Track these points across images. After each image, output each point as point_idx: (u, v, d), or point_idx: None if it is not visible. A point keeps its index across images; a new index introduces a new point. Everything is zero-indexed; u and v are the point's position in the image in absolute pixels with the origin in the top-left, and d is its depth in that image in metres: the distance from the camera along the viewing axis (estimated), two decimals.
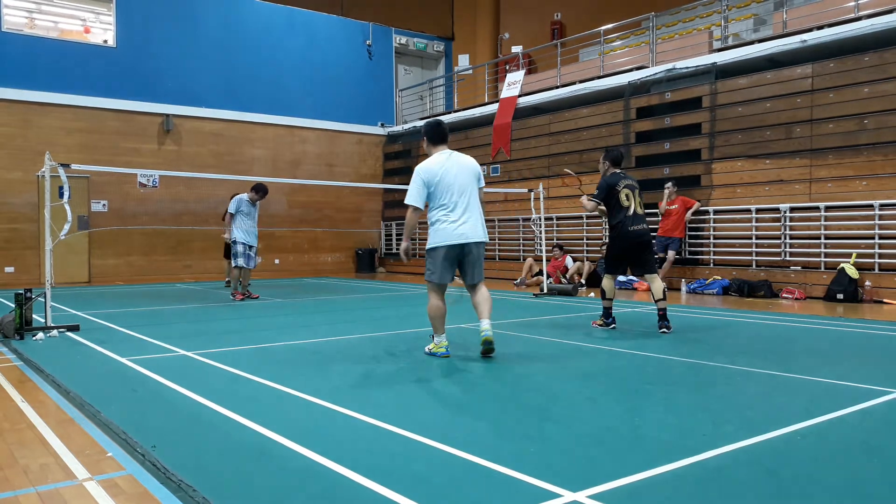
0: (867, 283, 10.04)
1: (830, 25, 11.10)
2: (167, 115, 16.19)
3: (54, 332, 6.88)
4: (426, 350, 5.68)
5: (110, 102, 15.57)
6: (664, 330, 6.81)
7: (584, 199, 7.36)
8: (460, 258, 5.46)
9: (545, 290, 11.47)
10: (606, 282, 7.24)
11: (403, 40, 20.66)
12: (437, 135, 5.66)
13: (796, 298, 10.51)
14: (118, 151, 15.47)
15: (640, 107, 13.71)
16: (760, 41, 12.15)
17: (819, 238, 10.81)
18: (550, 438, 3.34)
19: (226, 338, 6.83)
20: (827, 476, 2.86)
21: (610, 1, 18.44)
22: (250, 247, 10.54)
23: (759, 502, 2.56)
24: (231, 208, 10.57)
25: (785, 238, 11.18)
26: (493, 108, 16.88)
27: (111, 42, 15.89)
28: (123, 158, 15.33)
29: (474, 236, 5.40)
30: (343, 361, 5.43)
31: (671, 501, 2.55)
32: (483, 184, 5.67)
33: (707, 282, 11.70)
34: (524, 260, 14.56)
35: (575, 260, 13.50)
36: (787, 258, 11.17)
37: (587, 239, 14.22)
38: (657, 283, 6.97)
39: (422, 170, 5.51)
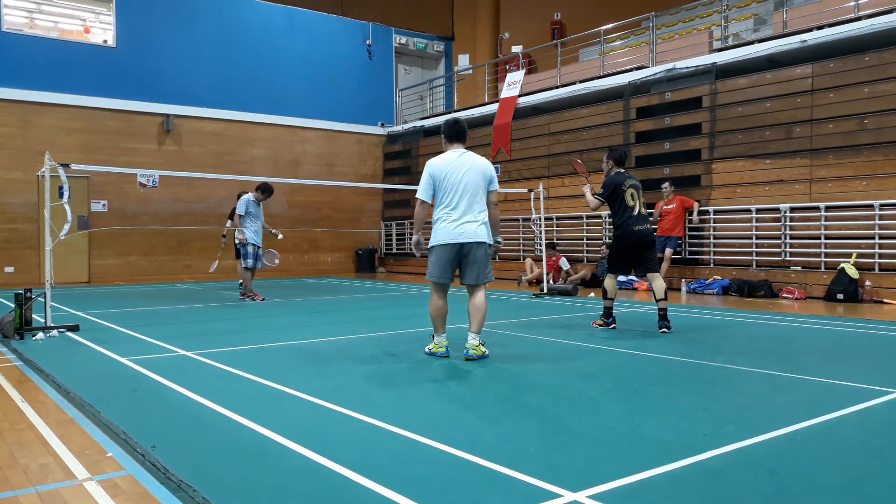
0: (867, 283, 10.03)
1: (830, 25, 11.09)
2: (167, 115, 16.20)
3: (54, 332, 6.88)
4: (426, 350, 5.68)
5: (110, 102, 15.58)
6: (664, 330, 6.81)
7: (588, 195, 7.31)
8: (460, 258, 5.42)
9: (545, 290, 11.47)
10: (608, 281, 7.24)
11: (403, 40, 20.66)
12: (453, 133, 5.60)
13: (796, 298, 10.51)
14: (118, 151, 15.47)
15: (640, 107, 13.71)
16: (760, 41, 12.15)
17: (819, 238, 10.81)
18: (550, 438, 3.33)
19: (226, 338, 6.83)
20: (827, 476, 2.85)
21: (610, 1, 18.44)
22: (258, 248, 10.55)
23: (759, 502, 2.56)
24: (240, 209, 10.50)
25: (785, 238, 11.18)
26: (493, 107, 16.88)
27: (111, 42, 15.89)
28: (123, 158, 15.34)
29: (473, 237, 5.34)
30: (343, 361, 5.42)
31: (671, 502, 2.55)
32: (496, 186, 5.56)
33: (707, 282, 11.70)
34: (524, 260, 14.56)
35: (571, 261, 13.50)
36: (788, 258, 11.17)
37: (587, 239, 14.22)
38: (658, 283, 6.97)
39: (430, 165, 5.51)
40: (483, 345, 5.43)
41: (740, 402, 4.11)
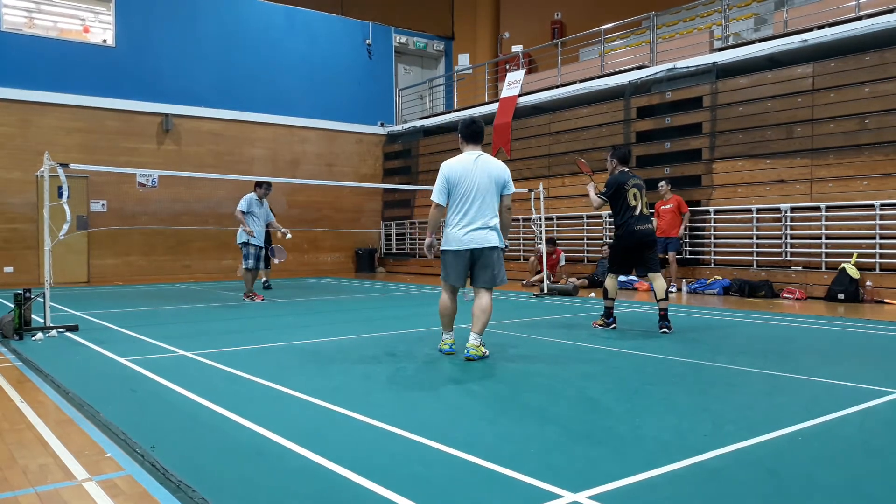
0: (868, 283, 10.03)
1: (831, 25, 11.09)
2: (166, 115, 16.19)
3: (53, 332, 6.87)
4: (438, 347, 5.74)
5: (109, 102, 15.57)
6: (665, 330, 6.80)
7: (592, 194, 7.29)
8: (472, 261, 5.44)
9: (545, 290, 11.46)
10: (609, 281, 7.22)
11: (403, 39, 20.65)
12: (469, 133, 5.54)
13: (797, 298, 10.50)
14: (117, 151, 15.47)
15: (641, 106, 13.70)
16: (761, 41, 12.15)
17: (820, 238, 10.80)
18: (550, 438, 3.33)
19: (225, 338, 6.83)
20: (827, 476, 2.85)
21: (610, 0, 18.44)
22: (261, 248, 10.49)
23: (759, 503, 2.55)
24: (242, 206, 10.42)
25: (786, 238, 11.17)
26: (493, 107, 16.87)
27: (110, 42, 15.89)
28: (123, 158, 15.33)
29: (483, 242, 5.35)
30: (343, 361, 5.42)
31: (671, 502, 2.55)
32: (511, 189, 5.54)
33: (708, 282, 11.69)
34: (525, 259, 14.55)
35: (571, 261, 13.48)
36: (788, 258, 11.16)
37: (587, 239, 14.21)
38: (660, 282, 6.95)
39: (446, 167, 5.49)
40: (483, 345, 5.44)
41: (741, 402, 4.10)
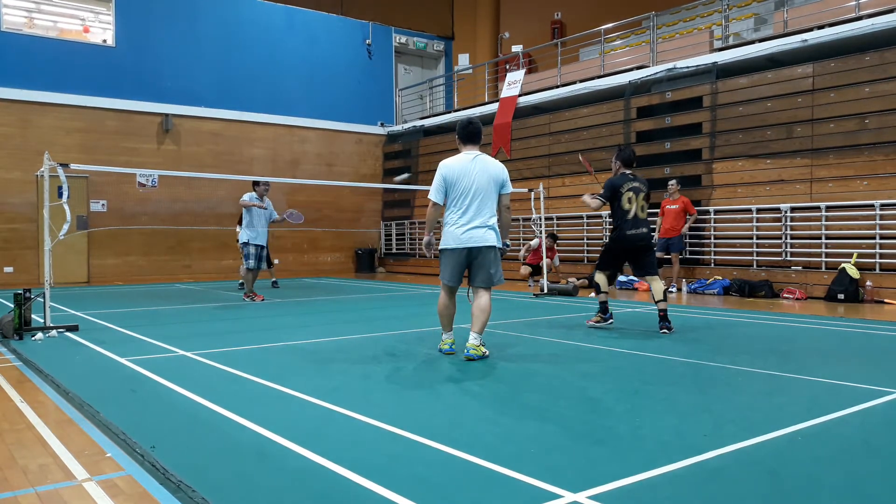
0: (868, 283, 10.03)
1: (831, 25, 11.09)
2: (166, 115, 16.19)
3: (53, 332, 6.87)
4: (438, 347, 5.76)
5: (109, 102, 15.57)
6: (665, 330, 6.81)
7: (586, 197, 7.32)
8: (469, 260, 5.45)
9: (545, 290, 11.46)
10: (599, 276, 7.26)
11: (403, 39, 20.65)
12: (467, 134, 5.55)
13: (797, 298, 10.50)
14: (117, 151, 15.46)
15: (641, 106, 13.70)
16: (761, 41, 12.15)
17: (820, 238, 10.80)
18: (550, 438, 3.32)
19: (225, 338, 6.82)
20: (828, 476, 2.85)
21: (610, 0, 18.44)
22: (261, 248, 10.42)
23: (759, 503, 2.55)
24: (246, 198, 10.40)
25: (786, 238, 11.17)
26: (494, 107, 16.87)
27: (110, 42, 15.88)
28: (122, 158, 15.33)
29: (481, 241, 5.36)
30: (343, 361, 5.42)
31: (671, 502, 2.54)
32: (509, 189, 5.55)
33: (708, 282, 11.69)
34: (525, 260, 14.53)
35: (571, 261, 13.46)
36: (788, 258, 11.16)
37: (587, 239, 14.21)
38: (657, 285, 6.97)
39: (443, 166, 5.51)
40: (483, 345, 5.44)
41: (741, 402, 4.10)
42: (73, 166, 7.61)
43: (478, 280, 5.47)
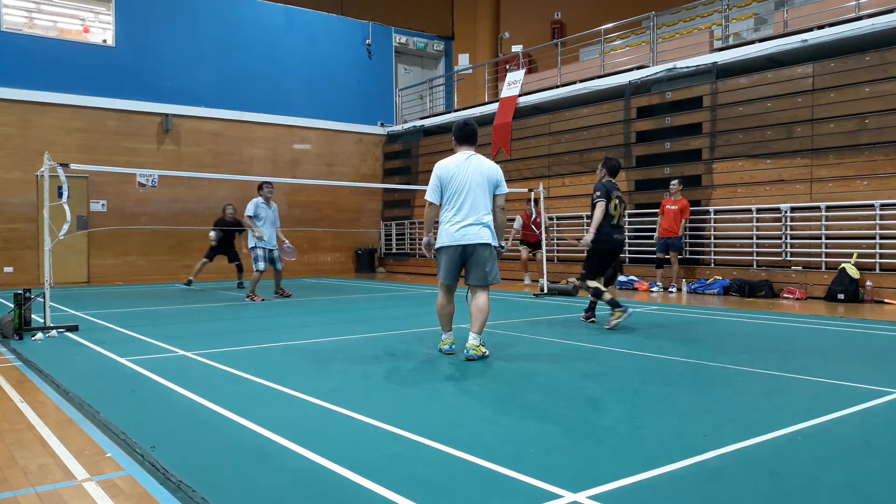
0: (868, 283, 10.02)
1: (831, 25, 11.09)
2: (166, 115, 16.18)
3: (53, 332, 6.87)
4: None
5: (109, 102, 15.56)
6: (589, 319, 7.66)
7: (592, 231, 7.40)
8: (464, 259, 5.46)
9: (545, 290, 11.46)
10: (592, 283, 7.44)
11: (403, 39, 20.65)
12: (462, 135, 5.61)
13: (797, 298, 10.50)
14: (117, 151, 15.46)
15: (641, 106, 13.70)
16: (761, 41, 12.14)
17: (820, 238, 10.80)
18: (550, 438, 3.33)
19: (225, 338, 6.82)
20: (828, 476, 2.85)
21: (610, 0, 18.43)
22: (270, 250, 10.56)
23: (759, 503, 2.55)
24: (248, 211, 10.52)
25: (786, 238, 11.17)
26: (494, 107, 16.87)
27: (110, 42, 15.88)
28: (122, 158, 15.32)
29: (475, 238, 5.37)
30: (343, 361, 5.42)
31: (671, 502, 2.55)
32: (503, 189, 5.58)
33: (708, 282, 11.69)
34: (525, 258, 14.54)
35: (570, 261, 13.46)
36: (788, 258, 11.16)
37: None
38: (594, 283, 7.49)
39: (438, 167, 5.58)
40: (483, 345, 5.44)
41: (741, 402, 4.10)
42: (73, 166, 7.61)
43: (473, 278, 5.49)
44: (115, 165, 14.56)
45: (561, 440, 3.30)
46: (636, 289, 12.34)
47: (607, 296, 7.29)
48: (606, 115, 14.24)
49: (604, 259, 7.46)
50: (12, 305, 6.82)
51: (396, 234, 19.26)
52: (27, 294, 6.89)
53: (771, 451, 3.13)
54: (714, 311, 9.16)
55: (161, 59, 16.26)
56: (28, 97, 14.62)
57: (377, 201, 19.83)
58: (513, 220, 13.63)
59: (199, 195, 16.58)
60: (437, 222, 5.63)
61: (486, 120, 16.94)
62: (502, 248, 5.69)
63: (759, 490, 2.66)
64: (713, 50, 13.02)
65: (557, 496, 2.57)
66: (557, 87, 15.53)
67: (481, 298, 5.45)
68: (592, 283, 7.39)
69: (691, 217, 12.10)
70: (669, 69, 13.25)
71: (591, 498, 2.55)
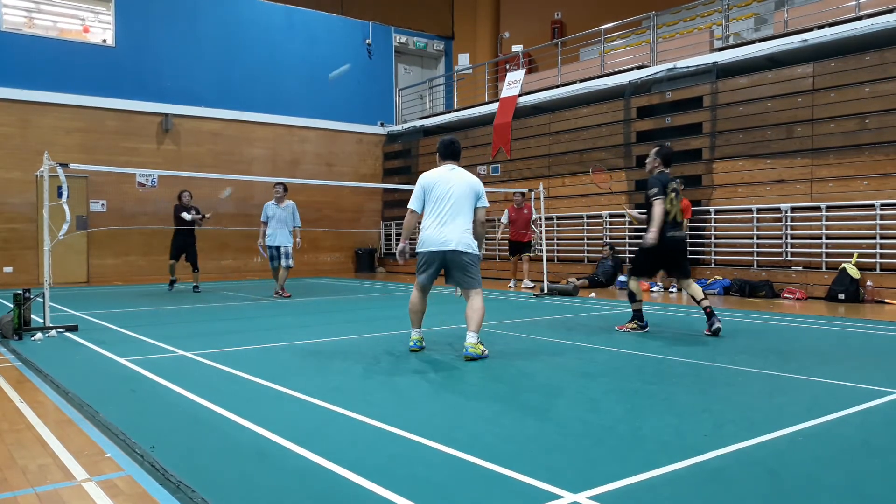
0: (869, 283, 10.02)
1: (831, 25, 11.08)
2: (166, 115, 16.18)
3: (53, 332, 6.86)
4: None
5: (109, 102, 15.56)
6: (717, 326, 6.58)
7: (634, 213, 6.88)
8: (444, 264, 5.63)
9: (545, 290, 11.46)
10: (634, 284, 6.91)
11: (403, 39, 20.64)
12: (447, 152, 5.83)
13: (798, 298, 10.50)
14: (117, 151, 15.45)
15: (641, 106, 13.70)
16: (761, 40, 12.14)
17: (820, 238, 10.79)
18: (550, 438, 3.32)
19: (225, 338, 6.82)
20: (828, 476, 2.84)
21: (610, 0, 18.43)
22: (275, 248, 11.13)
23: (759, 503, 2.55)
24: (262, 216, 11.32)
25: (786, 238, 11.16)
26: (493, 107, 16.86)
27: (110, 41, 15.88)
28: (122, 158, 15.31)
29: (456, 245, 5.50)
30: (343, 361, 5.42)
31: (671, 502, 2.54)
32: (484, 204, 5.73)
33: (708, 282, 11.69)
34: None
35: (570, 261, 13.43)
36: (789, 258, 11.15)
37: (587, 239, 14.21)
38: (693, 287, 6.76)
39: (423, 177, 5.79)
40: (482, 343, 5.46)
41: (741, 402, 4.10)
42: (72, 166, 7.61)
43: (456, 283, 5.69)
44: (115, 165, 14.54)
45: (561, 440, 3.30)
46: None
47: (637, 305, 6.88)
48: (606, 115, 14.23)
49: (657, 259, 6.75)
50: (12, 305, 6.81)
51: (396, 235, 19.25)
52: (27, 294, 6.89)
53: (771, 451, 3.12)
54: (714, 311, 9.14)
55: (161, 59, 16.25)
56: (28, 97, 14.62)
57: (377, 201, 19.83)
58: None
59: (198, 195, 16.50)
60: (416, 231, 5.76)
61: (486, 120, 16.95)
62: (480, 256, 5.81)
63: (759, 490, 2.66)
64: (713, 50, 13.01)
65: (557, 496, 2.56)
66: (557, 86, 15.53)
67: (474, 300, 5.53)
68: (633, 284, 6.88)
69: (692, 217, 12.09)
70: (669, 69, 13.25)
71: (591, 498, 2.55)
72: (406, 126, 19.55)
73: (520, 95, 16.13)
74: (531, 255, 13.08)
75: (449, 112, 18.91)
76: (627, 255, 13.55)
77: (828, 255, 10.68)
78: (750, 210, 11.65)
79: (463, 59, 20.98)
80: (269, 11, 17.93)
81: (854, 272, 10.01)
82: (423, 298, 5.81)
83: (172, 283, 13.08)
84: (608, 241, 13.69)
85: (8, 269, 14.37)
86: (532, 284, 12.91)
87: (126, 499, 2.66)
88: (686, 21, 15.73)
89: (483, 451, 3.07)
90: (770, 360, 5.35)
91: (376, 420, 3.61)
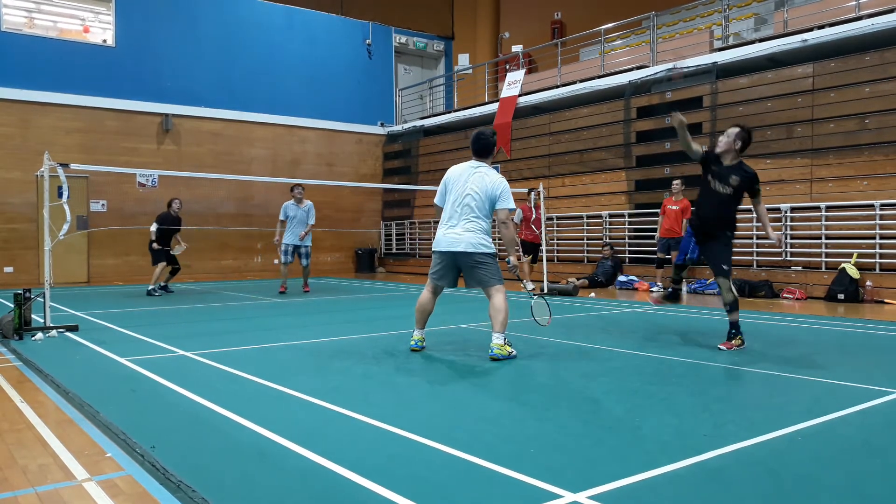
0: (868, 283, 10.02)
1: (831, 25, 11.09)
2: (166, 115, 16.18)
3: (53, 332, 6.87)
4: None
5: (109, 102, 15.56)
6: (727, 346, 5.78)
7: (762, 205, 6.32)
8: (456, 264, 5.60)
9: (545, 290, 11.45)
10: (735, 290, 5.99)
11: (403, 39, 20.64)
12: (473, 147, 5.74)
13: (797, 298, 10.50)
14: (117, 151, 15.46)
15: (641, 106, 13.70)
16: (761, 41, 12.14)
17: (820, 238, 10.79)
18: (550, 438, 3.32)
19: (225, 338, 6.82)
20: (828, 476, 2.85)
21: (610, 0, 18.43)
22: (295, 246, 11.72)
23: (759, 503, 2.55)
24: (280, 215, 11.75)
25: (786, 238, 11.16)
26: (494, 107, 16.86)
27: (110, 42, 15.88)
28: (122, 158, 15.32)
29: (462, 245, 5.46)
30: (343, 361, 5.42)
31: (672, 502, 2.54)
32: (505, 205, 5.50)
33: (708, 282, 11.69)
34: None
35: (570, 261, 13.42)
36: (788, 258, 11.15)
37: (587, 239, 14.21)
38: (721, 289, 6.05)
39: (448, 172, 5.80)
40: (509, 344, 5.45)
41: (741, 402, 4.10)
42: (73, 166, 7.61)
43: (471, 283, 5.64)
44: (115, 165, 14.54)
45: (561, 440, 3.30)
46: (636, 289, 12.34)
47: (736, 314, 5.91)
48: (606, 115, 14.23)
49: (696, 234, 6.44)
50: (12, 305, 6.81)
51: (396, 234, 19.26)
52: (27, 294, 6.89)
53: (771, 451, 3.13)
54: (714, 311, 9.15)
55: (161, 59, 16.25)
56: (28, 97, 14.62)
57: (377, 201, 19.83)
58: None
59: (198, 195, 16.57)
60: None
61: (486, 120, 16.94)
62: (509, 263, 5.64)
63: (759, 490, 2.66)
64: (713, 50, 13.01)
65: (557, 496, 2.56)
66: (557, 87, 15.53)
67: (495, 300, 5.47)
68: (735, 290, 5.94)
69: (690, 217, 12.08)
70: (670, 69, 13.25)
71: (591, 498, 2.55)
72: (406, 126, 19.55)
73: (520, 95, 16.13)
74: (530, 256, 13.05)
75: (449, 112, 18.90)
76: (627, 255, 13.56)
77: (827, 255, 10.68)
78: (749, 210, 11.60)
79: (463, 60, 20.99)
80: (269, 11, 17.93)
81: (854, 272, 10.01)
82: (431, 299, 5.78)
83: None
84: (608, 241, 13.69)
85: (8, 269, 14.38)
86: (532, 286, 12.87)
87: (126, 498, 2.67)
88: (686, 21, 15.73)
89: (483, 451, 3.07)
90: (770, 360, 5.35)
91: (376, 420, 3.61)
